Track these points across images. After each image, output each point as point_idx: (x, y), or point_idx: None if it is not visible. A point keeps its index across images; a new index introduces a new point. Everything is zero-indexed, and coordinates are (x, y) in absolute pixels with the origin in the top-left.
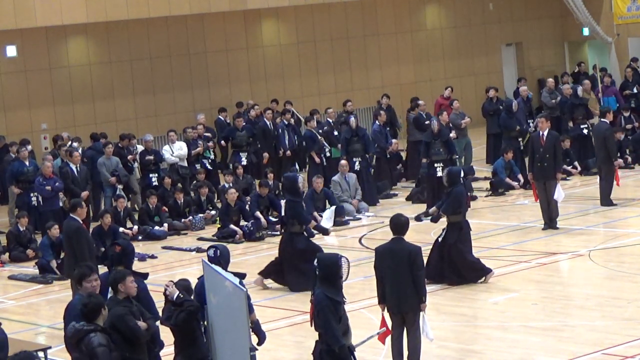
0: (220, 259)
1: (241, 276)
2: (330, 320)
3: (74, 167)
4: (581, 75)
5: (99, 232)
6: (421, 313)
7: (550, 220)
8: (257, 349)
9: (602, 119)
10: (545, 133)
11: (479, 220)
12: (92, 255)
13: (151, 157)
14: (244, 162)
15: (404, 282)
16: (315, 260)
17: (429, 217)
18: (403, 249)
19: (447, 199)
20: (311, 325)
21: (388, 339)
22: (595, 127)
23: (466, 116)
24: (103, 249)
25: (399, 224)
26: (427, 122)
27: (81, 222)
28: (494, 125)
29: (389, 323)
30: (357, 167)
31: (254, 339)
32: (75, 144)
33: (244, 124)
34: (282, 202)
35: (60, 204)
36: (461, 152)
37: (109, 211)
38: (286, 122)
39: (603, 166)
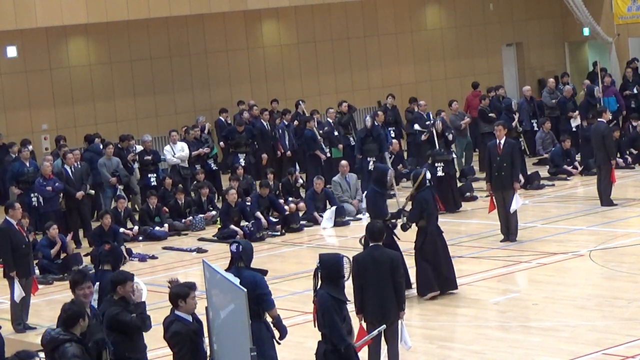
0: (242, 254)
1: (263, 272)
2: (335, 319)
3: (68, 168)
4: (599, 73)
5: (100, 233)
6: (400, 321)
7: (508, 232)
8: (279, 343)
9: (599, 119)
10: (503, 141)
11: (479, 220)
12: (20, 256)
13: (149, 158)
14: (242, 162)
15: (386, 290)
16: (318, 261)
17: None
18: (384, 256)
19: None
20: (314, 326)
21: (364, 349)
22: (593, 128)
23: (466, 116)
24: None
25: (375, 231)
26: (427, 122)
27: (13, 223)
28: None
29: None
30: (371, 166)
31: (276, 334)
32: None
33: (245, 125)
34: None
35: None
36: (461, 152)
37: (109, 212)
38: (286, 123)
39: (602, 166)
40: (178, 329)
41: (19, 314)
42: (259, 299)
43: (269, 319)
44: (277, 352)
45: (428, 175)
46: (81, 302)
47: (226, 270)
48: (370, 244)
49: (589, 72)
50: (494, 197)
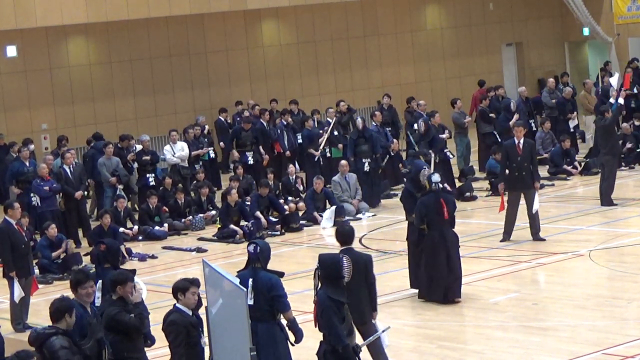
0: (260, 255)
1: (279, 274)
2: (333, 320)
3: (67, 168)
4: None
5: (99, 232)
6: (375, 321)
7: (535, 232)
8: (293, 345)
9: (600, 117)
10: (522, 141)
11: (478, 220)
12: (20, 256)
13: (148, 158)
14: (251, 161)
15: (362, 291)
16: (317, 261)
17: None
18: (359, 259)
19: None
20: (315, 326)
21: None
22: (597, 125)
23: (467, 116)
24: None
25: (346, 234)
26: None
27: (12, 223)
28: (488, 126)
29: None
30: (366, 168)
31: (291, 337)
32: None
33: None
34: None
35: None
36: (462, 152)
37: (108, 211)
38: (285, 123)
39: (606, 163)
40: (174, 319)
41: (19, 314)
42: (274, 301)
43: (283, 321)
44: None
45: (436, 179)
46: (69, 298)
47: (242, 270)
48: (342, 247)
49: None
50: (506, 197)
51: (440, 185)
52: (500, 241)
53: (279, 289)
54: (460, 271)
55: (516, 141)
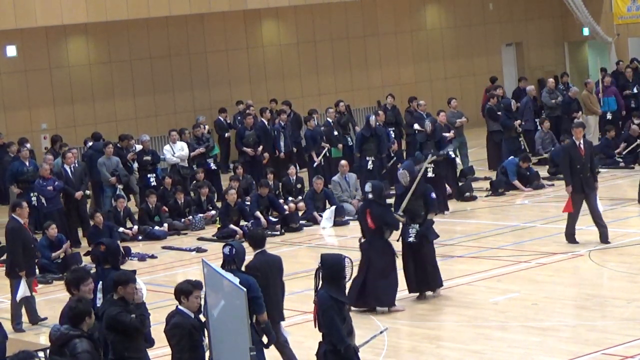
0: (236, 257)
1: (254, 276)
2: (335, 320)
3: (67, 168)
4: (619, 74)
5: (95, 232)
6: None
7: (605, 230)
8: (267, 347)
9: None
10: (582, 142)
11: (478, 220)
12: (30, 255)
13: (148, 158)
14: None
15: (279, 291)
16: (319, 261)
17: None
18: (275, 260)
19: None
20: (315, 326)
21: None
22: None
23: (463, 116)
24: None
25: (258, 237)
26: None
27: (21, 222)
28: (496, 124)
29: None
30: (370, 166)
31: (263, 339)
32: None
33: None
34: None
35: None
36: (456, 152)
37: (98, 210)
38: (282, 124)
39: None
40: (178, 321)
41: (19, 313)
42: (251, 302)
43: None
44: (274, 351)
45: (367, 189)
46: (87, 299)
47: None
48: (256, 251)
49: (612, 71)
50: (573, 199)
51: (370, 196)
52: (575, 244)
53: (256, 291)
54: (383, 284)
55: (577, 142)
